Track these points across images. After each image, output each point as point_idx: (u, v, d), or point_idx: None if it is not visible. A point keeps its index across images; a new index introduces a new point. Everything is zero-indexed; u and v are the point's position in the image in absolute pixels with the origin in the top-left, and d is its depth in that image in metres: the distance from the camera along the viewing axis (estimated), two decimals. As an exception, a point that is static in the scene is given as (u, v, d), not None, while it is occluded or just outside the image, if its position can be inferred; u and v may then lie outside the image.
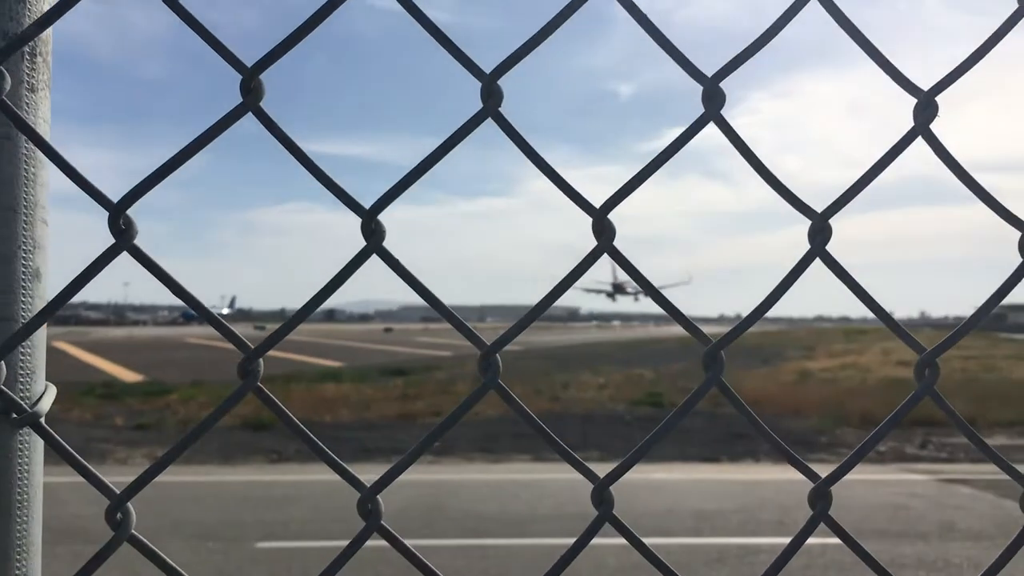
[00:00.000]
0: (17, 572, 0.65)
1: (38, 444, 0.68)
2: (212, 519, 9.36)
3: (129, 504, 0.68)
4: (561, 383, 25.03)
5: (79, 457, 0.66)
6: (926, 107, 0.79)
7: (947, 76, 0.79)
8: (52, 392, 0.67)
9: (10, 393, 0.64)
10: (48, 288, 0.69)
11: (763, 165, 0.79)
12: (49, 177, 0.69)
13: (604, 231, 0.76)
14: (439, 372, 31.07)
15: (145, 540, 0.67)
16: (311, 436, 0.71)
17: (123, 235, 0.66)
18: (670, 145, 0.76)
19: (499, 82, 0.72)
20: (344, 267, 0.70)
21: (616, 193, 0.76)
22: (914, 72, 0.78)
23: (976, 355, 37.41)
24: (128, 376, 28.01)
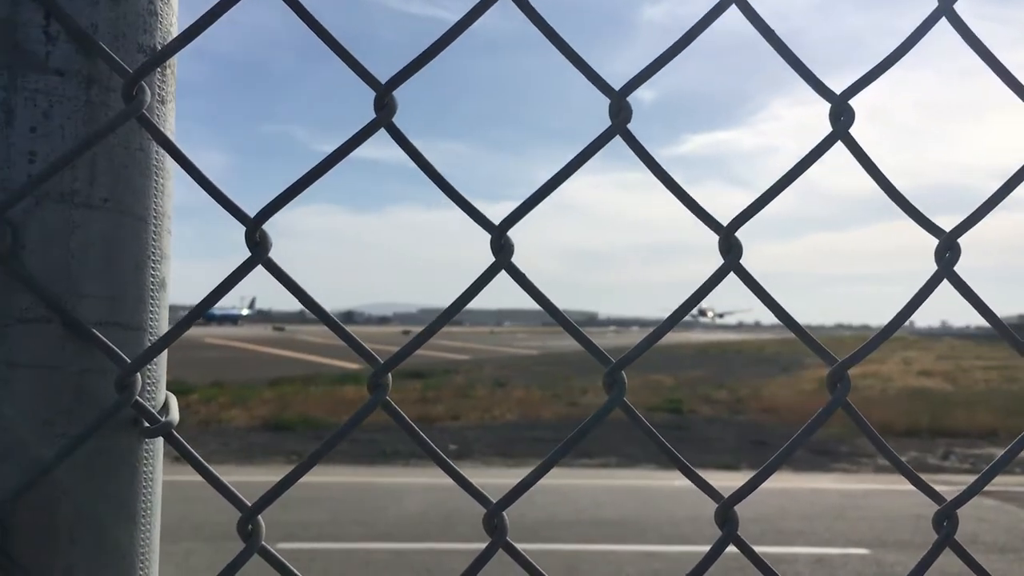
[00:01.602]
0: (141, 572, 0.66)
1: (159, 453, 0.69)
2: (232, 520, 9.36)
3: (260, 517, 0.69)
4: (579, 388, 24.96)
5: (209, 467, 0.67)
6: (842, 112, 0.77)
7: (861, 79, 0.77)
8: (175, 402, 0.69)
9: (145, 404, 0.65)
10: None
11: (890, 183, 0.78)
12: (174, 188, 0.70)
13: (731, 249, 0.75)
14: (458, 376, 31.09)
15: (275, 552, 0.68)
16: (435, 448, 0.71)
17: (258, 247, 0.68)
18: (797, 165, 0.75)
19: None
20: (475, 282, 0.71)
21: (744, 211, 0.75)
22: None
23: (998, 366, 37.03)
24: (149, 375, 28.13)
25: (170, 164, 0.70)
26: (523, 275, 0.72)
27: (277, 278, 0.67)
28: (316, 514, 10.39)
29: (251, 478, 12.06)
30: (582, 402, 22.17)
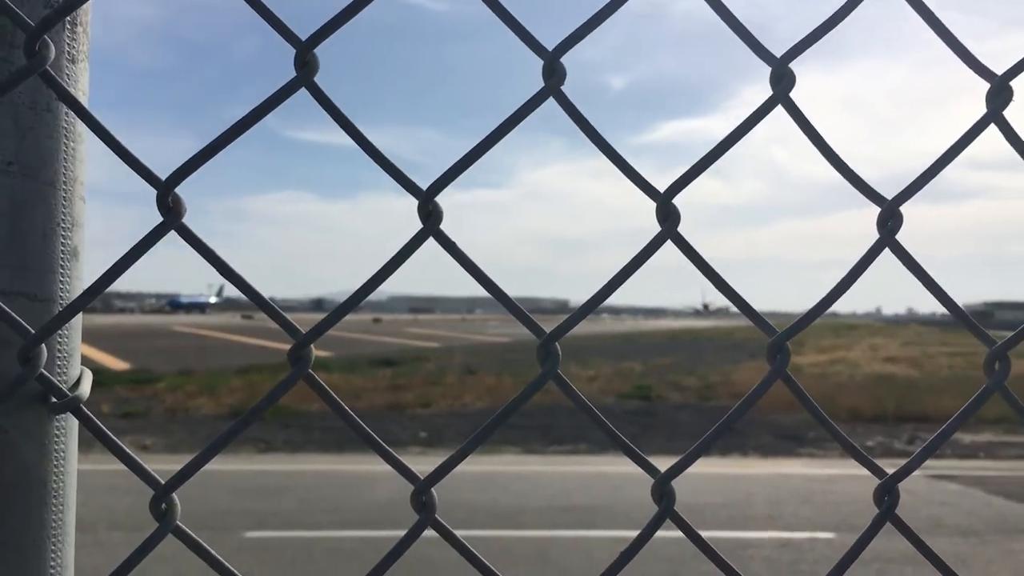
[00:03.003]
0: (52, 561, 0.63)
1: (73, 431, 0.66)
2: (200, 509, 9.31)
3: (174, 495, 0.66)
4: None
5: (122, 444, 0.64)
6: (782, 76, 0.75)
7: (801, 41, 0.75)
8: (89, 376, 0.65)
9: (51, 377, 0.62)
10: (85, 271, 0.67)
11: (831, 150, 0.76)
12: (87, 153, 0.67)
13: (669, 216, 0.73)
14: (428, 363, 31.04)
15: (190, 532, 0.65)
16: (362, 425, 0.69)
17: (171, 213, 0.64)
18: (736, 129, 0.73)
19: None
20: (401, 249, 0.68)
21: (680, 178, 0.73)
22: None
23: (963, 352, 37.57)
24: (115, 364, 27.85)
25: (82, 127, 0.66)
26: (453, 243, 0.70)
27: (191, 244, 0.64)
28: (285, 502, 10.34)
29: (219, 467, 11.96)
30: (553, 388, 22.19)
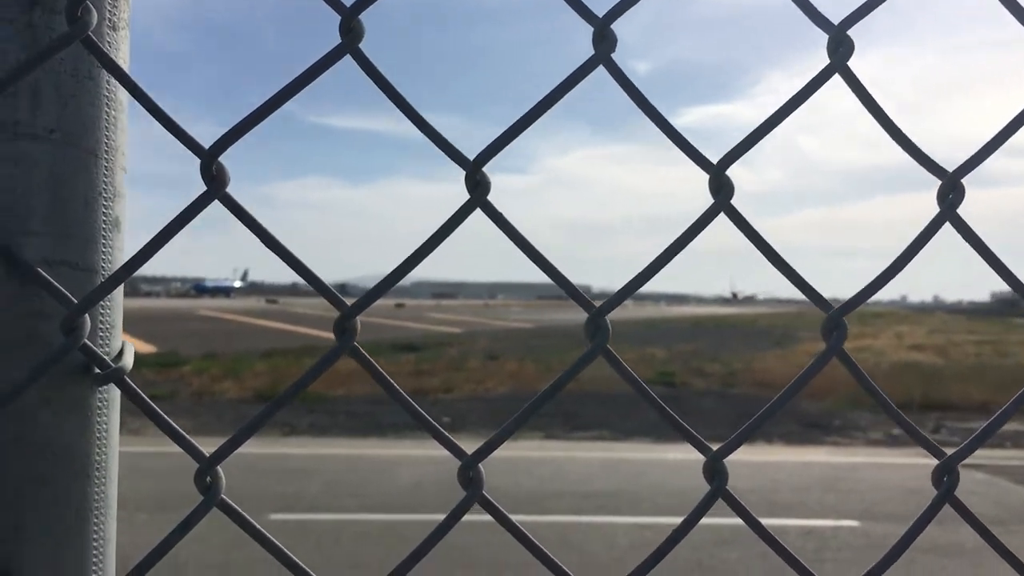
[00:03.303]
0: (95, 534, 0.63)
1: (115, 403, 0.65)
2: (226, 491, 9.40)
3: (219, 468, 0.65)
4: (573, 361, 24.92)
5: (166, 417, 0.64)
6: (840, 43, 0.73)
7: (859, 8, 0.73)
8: (131, 349, 0.64)
9: (94, 348, 0.61)
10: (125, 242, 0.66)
11: (891, 121, 0.74)
12: (128, 122, 0.66)
13: (722, 188, 0.71)
14: (451, 349, 31.10)
15: (235, 505, 0.65)
16: (407, 398, 0.68)
17: (215, 182, 0.63)
18: (789, 100, 0.71)
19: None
20: (448, 220, 0.66)
21: (733, 150, 0.71)
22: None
23: (989, 340, 37.18)
24: (141, 347, 28.11)
25: (123, 96, 0.65)
26: (500, 214, 0.68)
27: (235, 214, 0.63)
28: (310, 485, 10.41)
29: (243, 449, 12.04)
30: (577, 376, 22.19)
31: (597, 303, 0.73)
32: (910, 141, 0.75)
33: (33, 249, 0.59)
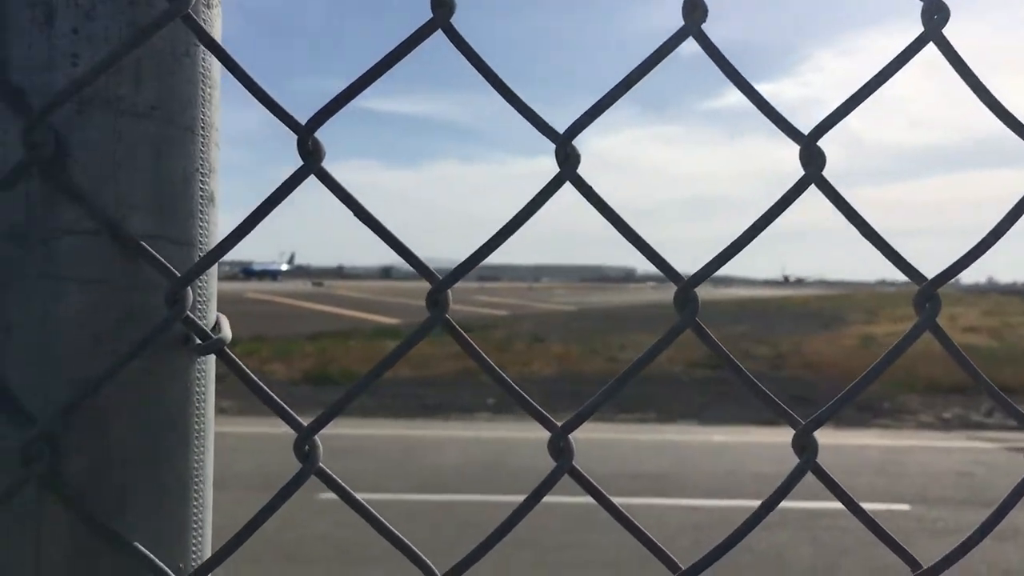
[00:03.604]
0: (195, 501, 0.65)
1: (211, 374, 0.67)
2: (274, 470, 9.52)
3: (316, 438, 0.67)
4: (618, 344, 24.90)
5: (265, 387, 0.65)
6: (936, 11, 0.71)
7: None
8: (227, 321, 0.66)
9: (196, 319, 0.62)
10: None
11: (988, 91, 0.72)
12: (220, 99, 0.67)
13: (813, 159, 0.70)
14: (496, 331, 31.18)
15: (332, 473, 0.67)
16: (500, 372, 0.68)
17: (311, 157, 0.64)
18: (886, 67, 0.70)
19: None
20: (538, 194, 0.67)
21: (825, 120, 0.70)
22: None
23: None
24: (192, 330, 28.50)
25: (216, 73, 0.67)
26: (590, 187, 0.68)
27: (330, 188, 0.64)
28: (360, 466, 10.54)
29: (291, 430, 12.21)
30: (621, 357, 22.15)
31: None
32: (1007, 111, 0.73)
33: (135, 223, 0.61)
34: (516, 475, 9.73)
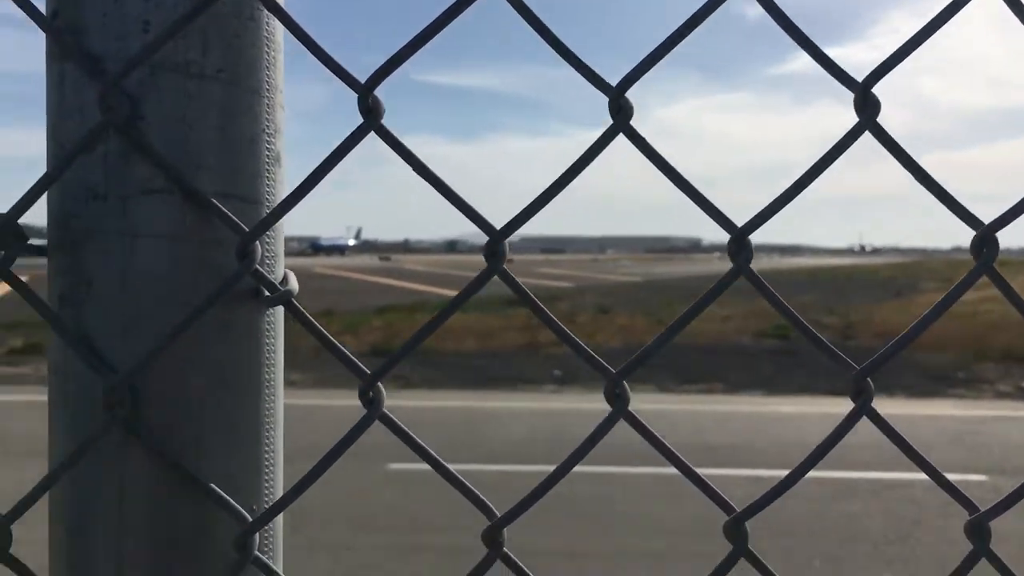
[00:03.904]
0: (266, 446, 0.68)
1: (279, 326, 0.71)
2: (325, 442, 9.71)
3: (380, 383, 0.70)
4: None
5: (330, 336, 0.68)
6: None
7: None
8: (293, 276, 0.70)
9: (264, 272, 0.66)
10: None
11: None
12: (283, 62, 0.70)
13: (867, 105, 0.69)
14: (561, 302, 31.19)
15: (395, 418, 0.70)
16: (560, 325, 0.70)
17: (371, 114, 0.66)
18: (942, 12, 0.69)
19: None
20: (592, 145, 0.68)
21: (880, 66, 0.69)
22: None
23: None
24: (263, 304, 29.09)
25: (280, 37, 0.69)
26: (643, 139, 0.69)
27: (390, 144, 0.66)
28: (425, 436, 10.61)
29: (359, 402, 12.40)
30: (688, 328, 21.96)
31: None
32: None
33: (206, 182, 0.64)
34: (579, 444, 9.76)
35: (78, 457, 0.62)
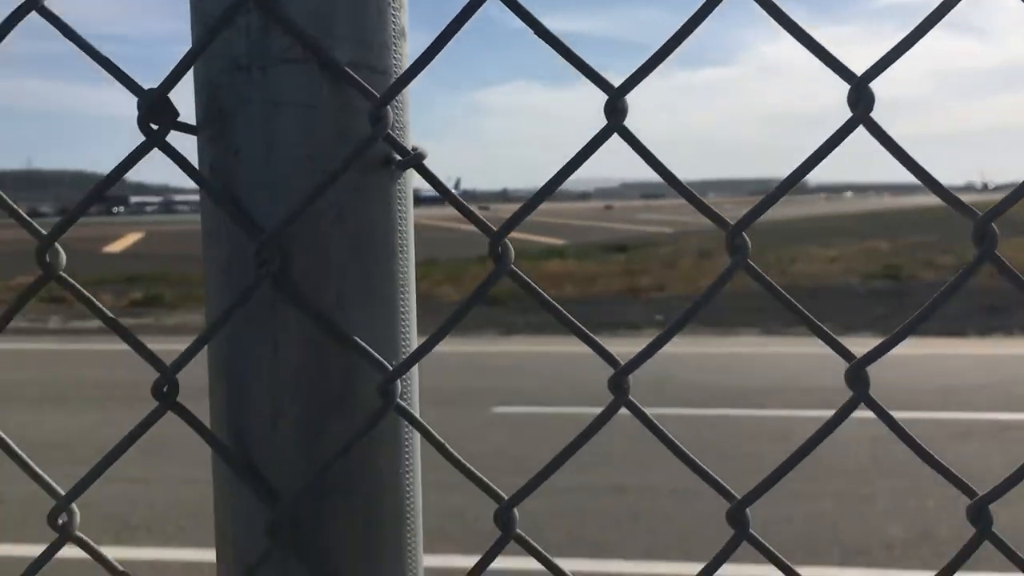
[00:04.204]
0: (401, 305, 0.73)
1: (409, 193, 0.74)
2: (451, 386, 9.94)
3: (507, 240, 0.74)
4: (788, 257, 24.18)
5: (460, 198, 0.73)
6: None
7: None
8: (421, 146, 0.73)
9: (395, 137, 0.69)
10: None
11: None
12: None
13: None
14: (661, 248, 30.91)
15: (521, 273, 0.74)
16: (562, 314, 0.73)
17: None
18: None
19: None
20: (584, 146, 0.71)
21: None
22: None
23: None
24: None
25: None
26: (637, 139, 0.72)
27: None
28: (528, 381, 10.84)
29: (465, 348, 12.64)
30: (791, 271, 21.53)
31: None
32: None
33: (339, 52, 0.67)
34: (683, 388, 9.75)
35: (234, 308, 0.67)
